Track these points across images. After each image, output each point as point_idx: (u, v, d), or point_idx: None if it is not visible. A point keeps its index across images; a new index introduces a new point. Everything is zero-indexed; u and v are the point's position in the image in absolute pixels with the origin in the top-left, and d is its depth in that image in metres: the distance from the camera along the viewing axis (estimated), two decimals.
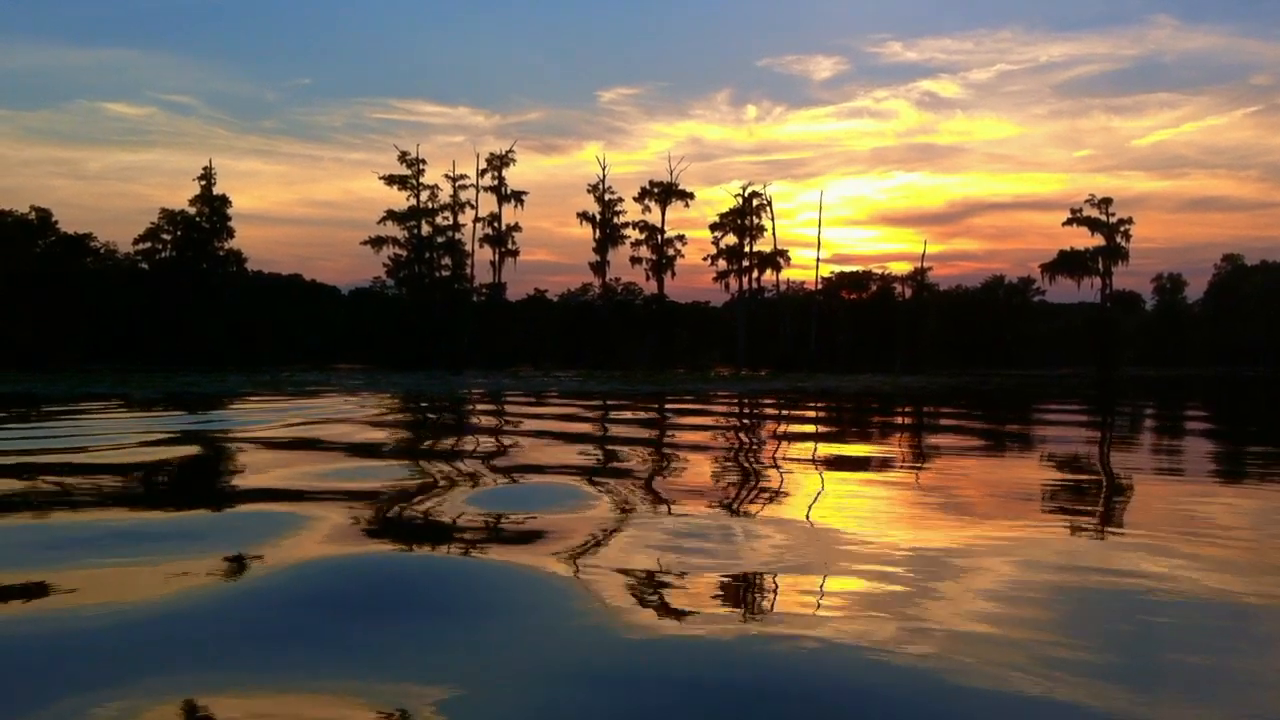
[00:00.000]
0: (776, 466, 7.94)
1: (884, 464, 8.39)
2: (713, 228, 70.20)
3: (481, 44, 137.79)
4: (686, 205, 69.53)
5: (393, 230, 65.77)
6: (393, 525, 4.99)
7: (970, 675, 2.64)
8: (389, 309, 67.29)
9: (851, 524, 5.03)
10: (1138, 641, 2.99)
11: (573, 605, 3.32)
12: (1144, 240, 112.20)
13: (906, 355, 68.30)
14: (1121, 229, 69.79)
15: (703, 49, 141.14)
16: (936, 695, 2.52)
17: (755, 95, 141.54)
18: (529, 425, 12.74)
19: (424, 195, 66.07)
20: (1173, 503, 6.04)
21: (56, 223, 60.21)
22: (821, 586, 3.66)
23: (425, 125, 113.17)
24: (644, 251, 68.82)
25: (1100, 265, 70.53)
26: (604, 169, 69.06)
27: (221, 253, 63.14)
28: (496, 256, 67.74)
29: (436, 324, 63.84)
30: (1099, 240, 70.06)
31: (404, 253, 66.34)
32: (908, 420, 15.63)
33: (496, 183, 67.18)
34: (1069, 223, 71.05)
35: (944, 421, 15.33)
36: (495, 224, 67.42)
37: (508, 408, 17.41)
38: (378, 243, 65.67)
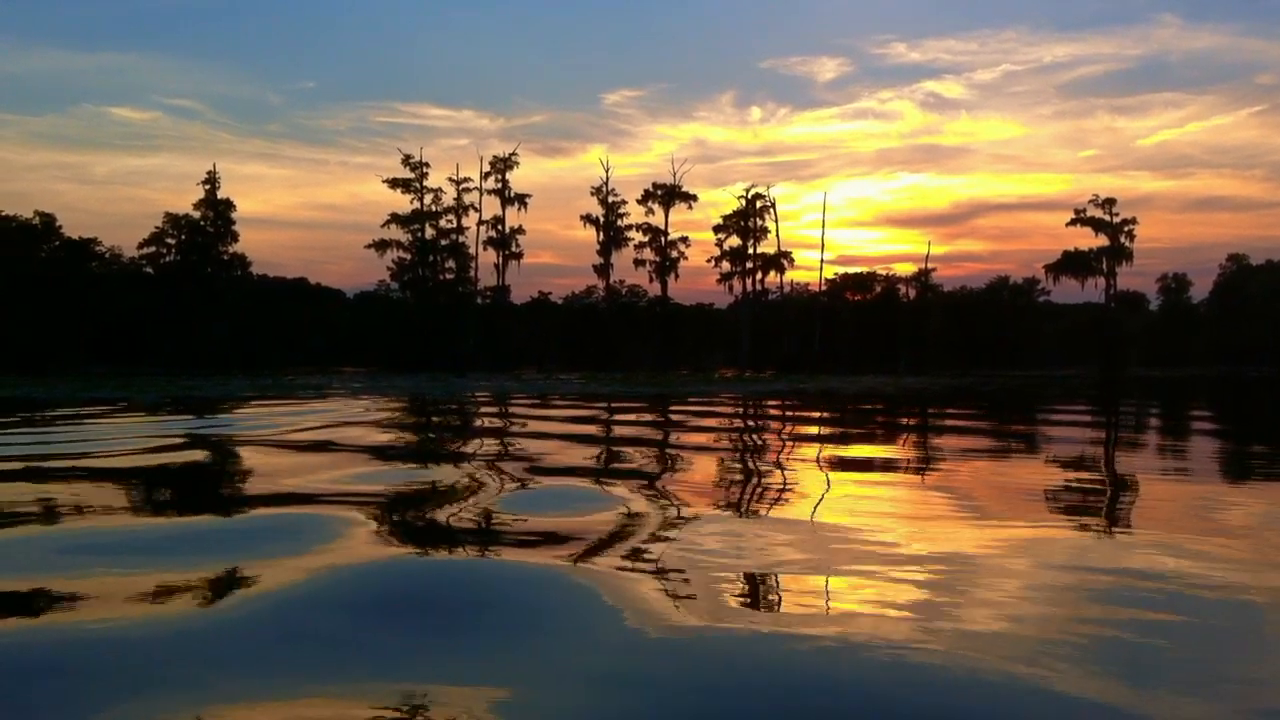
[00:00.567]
0: (782, 467, 8.00)
1: (919, 467, 8.44)
2: (716, 229, 70.37)
3: (485, 47, 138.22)
4: (690, 207, 69.78)
5: (397, 234, 65.97)
6: (425, 529, 5.01)
7: (984, 672, 2.69)
8: (393, 312, 67.34)
9: (887, 523, 5.07)
10: (1146, 639, 3.04)
11: (609, 605, 3.37)
12: (1149, 240, 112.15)
13: (911, 356, 68.26)
14: (1125, 229, 69.85)
15: (707, 51, 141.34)
16: (950, 691, 2.58)
17: (759, 97, 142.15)
18: (537, 427, 12.81)
19: (428, 198, 66.25)
20: (1180, 503, 6.09)
21: (60, 227, 60.56)
22: (853, 588, 3.71)
23: (429, 128, 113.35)
24: (648, 254, 69.04)
25: (1104, 266, 70.56)
26: (607, 171, 69.37)
27: (226, 256, 63.24)
28: (500, 259, 67.95)
29: (440, 327, 63.87)
30: (1103, 241, 70.12)
31: (408, 256, 66.41)
32: (911, 421, 15.67)
33: (500, 185, 67.31)
34: (1073, 223, 71.17)
35: (948, 423, 15.36)
36: (499, 227, 67.56)
37: (514, 410, 17.47)
38: (382, 246, 65.75)
